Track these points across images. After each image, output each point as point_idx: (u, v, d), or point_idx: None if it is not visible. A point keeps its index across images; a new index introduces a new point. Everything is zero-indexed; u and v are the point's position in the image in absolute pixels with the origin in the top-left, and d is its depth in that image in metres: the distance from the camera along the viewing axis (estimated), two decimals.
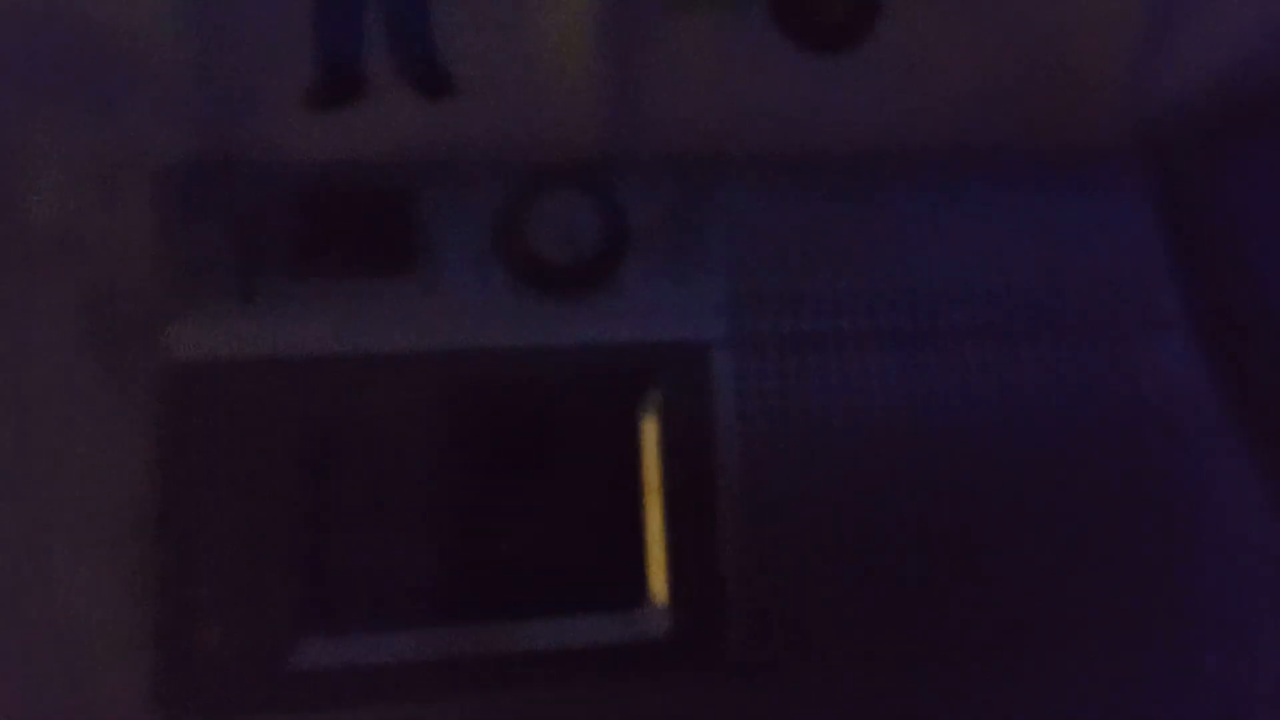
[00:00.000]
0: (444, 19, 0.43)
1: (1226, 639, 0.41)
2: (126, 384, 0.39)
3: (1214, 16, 0.45)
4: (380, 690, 0.38)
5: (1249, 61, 0.44)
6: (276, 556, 0.37)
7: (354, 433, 0.38)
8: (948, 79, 0.45)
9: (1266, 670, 0.41)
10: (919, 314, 0.41)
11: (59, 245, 0.40)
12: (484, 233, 0.39)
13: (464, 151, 0.42)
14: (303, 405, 0.37)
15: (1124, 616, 0.41)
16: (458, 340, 0.38)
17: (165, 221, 0.37)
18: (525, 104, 0.42)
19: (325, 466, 0.38)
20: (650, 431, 0.40)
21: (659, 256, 0.40)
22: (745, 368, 0.40)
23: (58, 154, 0.40)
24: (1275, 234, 0.43)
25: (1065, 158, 0.43)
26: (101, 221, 0.40)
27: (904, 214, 0.42)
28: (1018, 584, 0.40)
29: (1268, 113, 0.44)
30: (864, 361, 0.41)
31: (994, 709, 0.40)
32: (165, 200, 0.38)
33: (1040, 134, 0.44)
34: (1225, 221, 0.43)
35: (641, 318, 0.40)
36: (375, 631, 0.38)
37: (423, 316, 0.38)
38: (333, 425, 0.38)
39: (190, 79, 0.41)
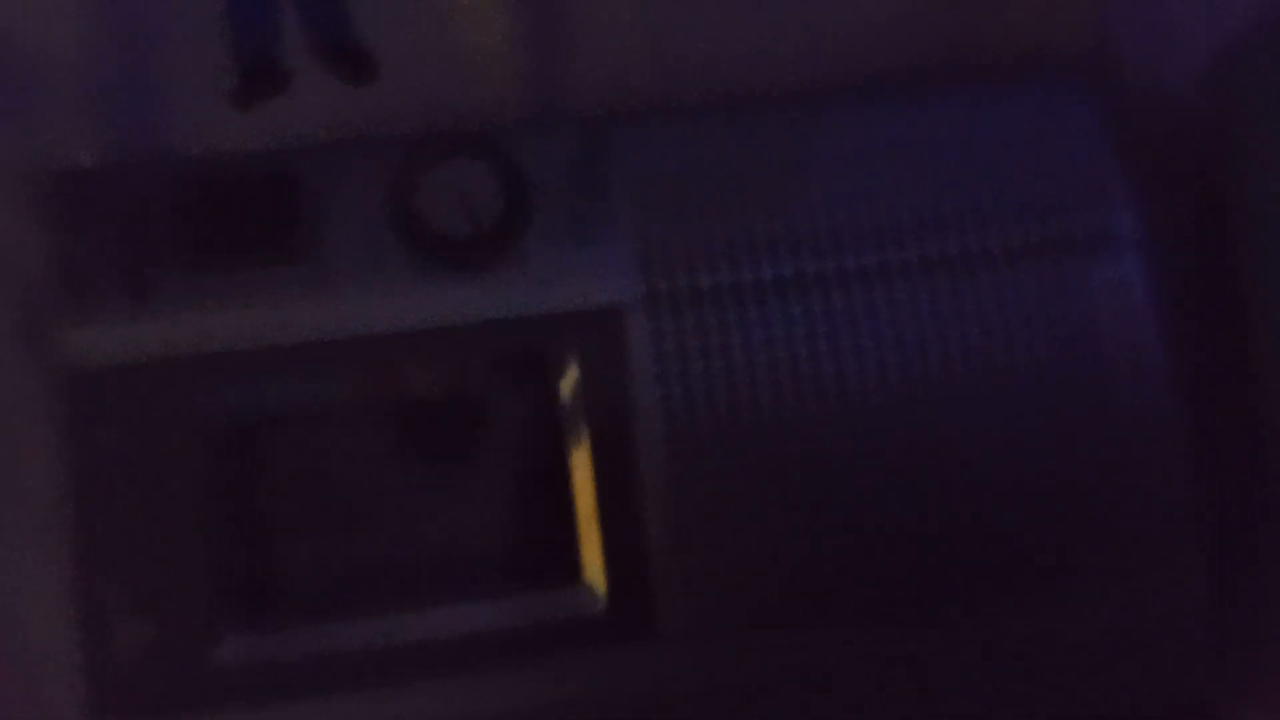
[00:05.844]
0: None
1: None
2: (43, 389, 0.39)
3: None
4: (310, 683, 0.37)
5: None
6: (192, 555, 0.37)
7: (263, 428, 0.38)
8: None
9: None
10: (845, 254, 0.38)
11: None
12: (377, 211, 0.38)
13: (368, 131, 0.41)
14: (205, 403, 0.37)
15: (1087, 560, 0.37)
16: (356, 326, 0.37)
17: (54, 226, 0.37)
18: (425, 75, 0.41)
19: (237, 464, 0.37)
20: (569, 404, 0.38)
21: (562, 219, 0.38)
22: (662, 328, 0.38)
23: None
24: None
25: (999, 74, 0.39)
26: (20, 228, 0.41)
27: (825, 149, 0.39)
28: (962, 537, 0.37)
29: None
30: (788, 312, 0.38)
31: (934, 669, 0.37)
32: (52, 205, 0.38)
33: (974, 49, 0.40)
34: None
35: (549, 287, 0.38)
36: (300, 625, 0.37)
37: (317, 304, 0.37)
38: (239, 421, 0.37)
39: (99, 83, 0.41)
